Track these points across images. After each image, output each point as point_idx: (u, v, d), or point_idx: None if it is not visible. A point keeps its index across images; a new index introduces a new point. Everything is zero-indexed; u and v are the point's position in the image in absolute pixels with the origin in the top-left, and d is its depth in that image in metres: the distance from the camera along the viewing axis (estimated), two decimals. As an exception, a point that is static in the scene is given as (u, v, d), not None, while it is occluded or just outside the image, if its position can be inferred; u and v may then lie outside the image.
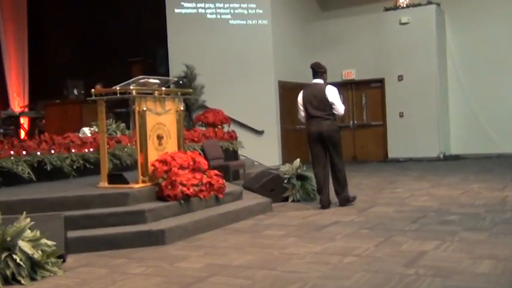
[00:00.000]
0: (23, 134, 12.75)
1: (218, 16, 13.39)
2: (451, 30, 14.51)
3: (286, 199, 7.80)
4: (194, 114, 12.08)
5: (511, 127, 13.58)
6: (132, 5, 14.74)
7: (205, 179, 6.44)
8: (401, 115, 14.21)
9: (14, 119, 13.02)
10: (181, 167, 6.30)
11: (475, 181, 9.20)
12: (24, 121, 13.60)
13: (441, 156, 13.65)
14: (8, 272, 4.13)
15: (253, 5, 13.38)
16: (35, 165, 6.94)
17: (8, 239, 4.22)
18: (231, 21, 13.40)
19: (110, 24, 14.93)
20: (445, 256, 4.41)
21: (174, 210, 5.98)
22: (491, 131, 13.85)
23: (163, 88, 6.77)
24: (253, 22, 13.39)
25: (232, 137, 10.83)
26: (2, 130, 11.80)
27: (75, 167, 7.35)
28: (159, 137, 6.56)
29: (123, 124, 9.11)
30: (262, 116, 13.11)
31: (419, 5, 14.11)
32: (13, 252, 4.19)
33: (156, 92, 6.59)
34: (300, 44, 14.67)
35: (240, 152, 10.98)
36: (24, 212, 4.49)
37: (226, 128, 11.15)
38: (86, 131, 8.72)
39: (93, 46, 15.20)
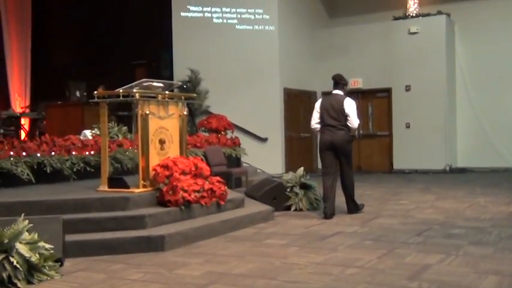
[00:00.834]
0: (23, 135, 12.71)
1: (224, 21, 13.33)
2: (461, 42, 14.37)
3: (288, 208, 7.72)
4: (197, 120, 12.02)
5: (519, 141, 13.48)
6: (137, 7, 14.74)
7: (207, 186, 6.38)
8: (407, 126, 14.05)
9: (15, 120, 12.98)
10: (183, 173, 6.24)
11: (481, 195, 9.10)
12: (25, 122, 13.58)
13: (447, 168, 13.51)
14: (5, 275, 4.09)
15: (261, 10, 13.30)
16: (35, 166, 6.89)
17: (5, 241, 4.17)
18: (237, 26, 13.34)
19: (114, 26, 14.92)
20: (450, 270, 4.35)
21: (175, 216, 5.93)
22: (499, 144, 13.71)
23: (166, 92, 6.72)
24: (260, 28, 13.31)
25: (236, 143, 10.78)
26: (2, 130, 11.76)
27: (75, 169, 7.32)
28: (161, 142, 6.51)
29: (125, 127, 9.08)
30: (267, 123, 13.03)
31: (428, 14, 14.00)
32: (10, 254, 4.14)
33: (159, 95, 6.54)
34: (307, 51, 14.62)
35: (243, 159, 10.93)
36: (23, 214, 4.46)
37: (229, 135, 11.10)
38: (87, 133, 8.67)
39: (96, 48, 15.20)
